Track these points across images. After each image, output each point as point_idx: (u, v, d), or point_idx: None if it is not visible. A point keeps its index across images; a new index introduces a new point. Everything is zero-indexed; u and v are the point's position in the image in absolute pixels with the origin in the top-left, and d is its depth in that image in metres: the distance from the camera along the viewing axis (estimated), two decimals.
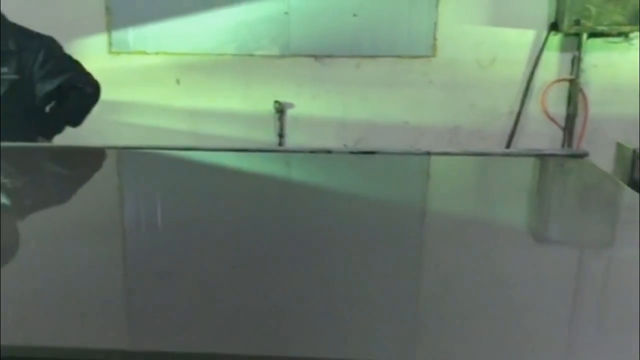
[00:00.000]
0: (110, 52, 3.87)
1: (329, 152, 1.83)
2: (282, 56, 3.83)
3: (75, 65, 2.53)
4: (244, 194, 1.55)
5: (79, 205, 1.49)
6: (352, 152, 1.90)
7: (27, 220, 1.44)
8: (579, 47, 3.66)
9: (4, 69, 2.36)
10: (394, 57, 3.78)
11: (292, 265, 1.06)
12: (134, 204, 1.52)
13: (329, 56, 3.82)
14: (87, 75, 2.54)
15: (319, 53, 3.82)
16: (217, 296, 0.92)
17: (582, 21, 3.49)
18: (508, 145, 3.79)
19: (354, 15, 3.73)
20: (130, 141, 2.15)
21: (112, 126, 3.67)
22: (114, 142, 2.05)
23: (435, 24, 3.71)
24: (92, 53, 3.65)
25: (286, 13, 3.74)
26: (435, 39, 3.73)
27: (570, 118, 3.79)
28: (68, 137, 2.59)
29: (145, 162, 1.91)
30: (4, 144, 2.09)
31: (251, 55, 3.84)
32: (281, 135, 3.95)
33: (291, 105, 3.92)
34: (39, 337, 0.81)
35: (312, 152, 1.85)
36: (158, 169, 1.84)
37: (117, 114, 3.77)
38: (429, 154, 1.79)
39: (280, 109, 3.90)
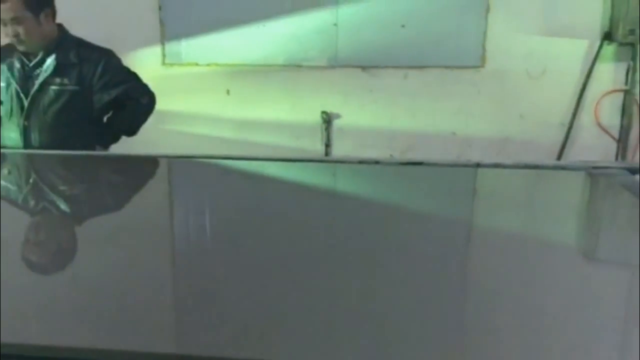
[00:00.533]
0: (164, 63, 3.98)
1: (376, 162, 1.83)
2: (329, 67, 3.86)
3: (132, 77, 2.57)
4: (292, 203, 1.57)
5: (133, 212, 1.54)
6: (400, 163, 1.88)
7: (84, 225, 1.50)
8: (633, 57, 3.55)
9: (65, 80, 2.45)
10: (442, 68, 3.76)
11: (337, 276, 1.06)
12: (184, 211, 1.56)
13: (377, 67, 3.83)
14: (143, 87, 2.58)
15: (366, 64, 3.83)
16: (262, 304, 0.93)
17: (637, 30, 3.39)
18: (559, 157, 3.70)
19: (402, 26, 3.72)
20: (182, 150, 2.21)
21: (165, 135, 3.76)
22: (166, 151, 2.11)
23: (485, 34, 3.67)
24: (147, 65, 3.76)
25: (335, 24, 3.77)
26: (484, 49, 3.69)
27: (625, 130, 3.67)
28: (123, 145, 2.66)
29: (195, 171, 1.95)
30: (64, 152, 2.19)
31: (299, 66, 3.89)
32: (327, 145, 3.97)
33: (338, 116, 3.95)
34: (93, 336, 0.84)
35: (361, 162, 1.85)
36: (207, 177, 1.88)
37: (170, 123, 3.87)
38: (478, 165, 1.77)
39: (328, 120, 3.93)
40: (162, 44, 3.95)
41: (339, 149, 3.95)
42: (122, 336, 0.84)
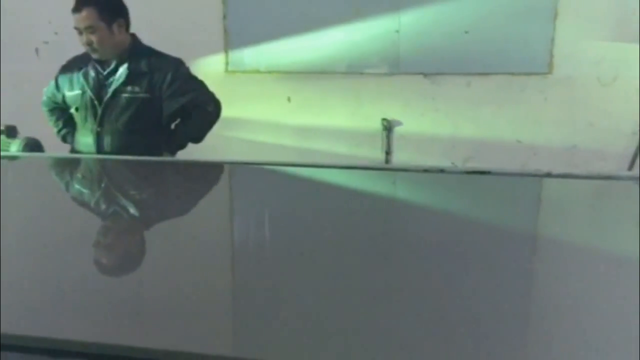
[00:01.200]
0: (227, 71, 4.07)
1: (441, 171, 1.80)
2: (391, 74, 3.84)
3: (199, 85, 2.63)
4: (352, 211, 1.57)
5: (196, 216, 1.58)
6: (466, 172, 1.85)
7: (149, 227, 1.55)
8: None
9: (136, 88, 2.54)
10: (507, 74, 3.68)
11: (400, 287, 1.06)
12: (245, 216, 1.59)
13: (439, 74, 3.78)
14: (210, 95, 2.64)
15: (428, 71, 3.79)
16: (321, 312, 0.93)
17: None
18: (631, 167, 3.55)
19: (466, 32, 3.67)
20: (243, 156, 2.25)
21: (227, 142, 3.83)
22: (228, 158, 2.16)
23: (552, 39, 3.57)
24: (210, 71, 3.85)
25: (397, 31, 3.76)
26: (552, 55, 3.59)
27: None
28: (188, 152, 2.73)
29: (256, 177, 1.98)
30: (134, 157, 2.26)
31: (360, 73, 3.89)
32: (388, 153, 3.95)
33: (399, 123, 3.92)
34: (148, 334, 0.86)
35: (425, 170, 1.83)
36: (268, 183, 1.90)
37: (232, 130, 3.94)
38: (548, 175, 1.71)
39: (388, 127, 3.91)
40: (226, 51, 4.04)
41: (400, 157, 3.92)
42: (177, 337, 0.85)
